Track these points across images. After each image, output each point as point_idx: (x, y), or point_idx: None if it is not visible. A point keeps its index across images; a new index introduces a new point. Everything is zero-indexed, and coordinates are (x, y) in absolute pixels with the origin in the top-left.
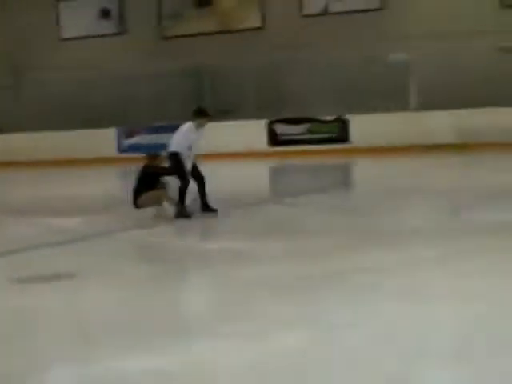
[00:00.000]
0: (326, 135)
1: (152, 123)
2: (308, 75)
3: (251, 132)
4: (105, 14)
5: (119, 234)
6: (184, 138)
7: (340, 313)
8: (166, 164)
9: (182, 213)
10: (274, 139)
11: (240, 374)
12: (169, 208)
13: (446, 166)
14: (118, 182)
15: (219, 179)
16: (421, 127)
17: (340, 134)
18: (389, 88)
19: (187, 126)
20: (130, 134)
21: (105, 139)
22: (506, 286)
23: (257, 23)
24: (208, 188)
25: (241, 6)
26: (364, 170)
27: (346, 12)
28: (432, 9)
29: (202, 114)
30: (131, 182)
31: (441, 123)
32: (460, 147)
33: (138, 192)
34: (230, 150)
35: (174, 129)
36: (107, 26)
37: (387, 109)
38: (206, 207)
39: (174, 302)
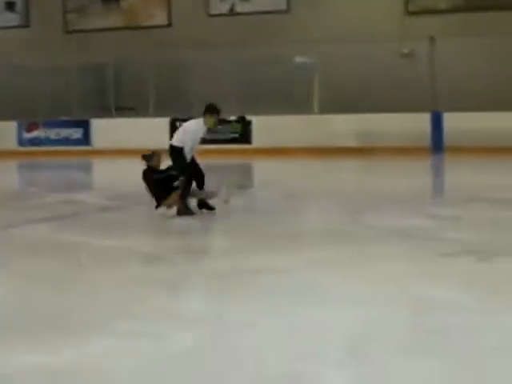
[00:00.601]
0: (228, 135)
1: (53, 117)
2: (213, 74)
3: (154, 130)
4: (10, 6)
5: (14, 229)
6: (192, 135)
7: (238, 313)
8: (164, 160)
9: (186, 210)
10: None
11: (134, 372)
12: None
13: (347, 169)
14: (17, 176)
15: (120, 175)
16: (324, 130)
17: (243, 134)
18: (293, 90)
19: (197, 123)
20: (30, 128)
21: (5, 132)
22: (391, 291)
23: (163, 21)
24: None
25: (147, 2)
26: (266, 171)
27: (253, 13)
28: (338, 13)
29: (215, 112)
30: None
31: (343, 127)
32: (361, 151)
33: (159, 197)
34: (131, 147)
35: (74, 124)
36: (12, 19)
37: (291, 111)
38: (203, 204)
39: (68, 298)
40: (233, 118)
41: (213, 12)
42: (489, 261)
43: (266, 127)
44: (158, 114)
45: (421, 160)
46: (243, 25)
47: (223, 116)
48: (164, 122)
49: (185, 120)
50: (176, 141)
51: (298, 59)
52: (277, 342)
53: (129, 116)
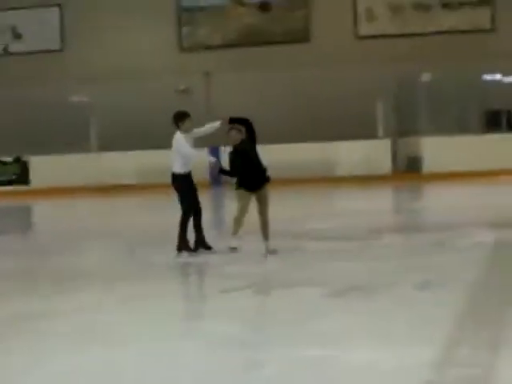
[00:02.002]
0: (5, 177)
1: None
2: None
3: None
4: None
5: None
6: (184, 152)
7: (16, 359)
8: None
9: (187, 245)
10: None
11: None
12: None
13: (126, 207)
14: None
15: None
16: (103, 168)
17: (20, 175)
18: (71, 129)
19: (178, 137)
20: None
21: None
22: (175, 328)
23: None
24: None
25: None
26: (44, 211)
27: (27, 52)
28: (114, 50)
29: (184, 116)
30: None
31: (123, 164)
32: (141, 188)
33: None
34: None
35: None
36: None
37: (69, 149)
38: (201, 243)
39: None
40: (9, 158)
41: None
42: (268, 293)
43: (44, 167)
44: None
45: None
46: (18, 65)
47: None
48: None
49: None
50: (176, 167)
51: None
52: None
53: None
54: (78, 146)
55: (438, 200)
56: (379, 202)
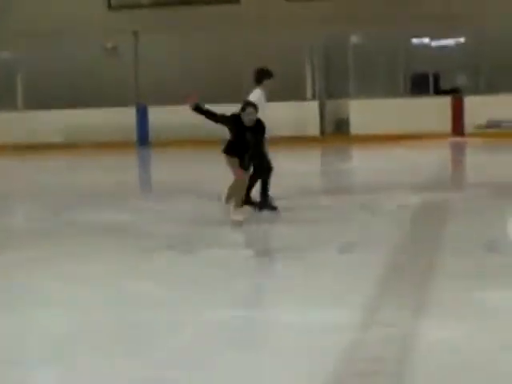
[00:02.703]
0: None
1: None
2: None
3: None
4: None
5: None
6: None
7: None
8: None
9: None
10: None
11: None
12: None
13: (53, 166)
14: None
15: None
16: (28, 127)
17: None
18: None
19: (260, 94)
20: None
21: None
22: (97, 289)
23: None
24: None
25: None
26: None
27: None
28: (41, 8)
29: (271, 75)
30: None
31: (48, 123)
32: (68, 147)
33: None
34: None
35: None
36: None
37: None
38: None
39: None
40: None
41: None
42: (192, 253)
43: None
44: None
45: (127, 154)
46: None
47: None
48: None
49: None
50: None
51: None
52: None
53: None
54: (3, 103)
55: (364, 162)
56: (307, 164)
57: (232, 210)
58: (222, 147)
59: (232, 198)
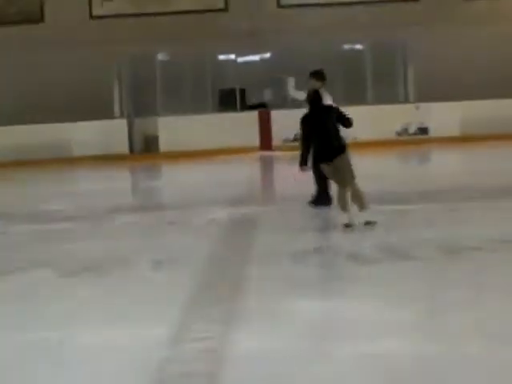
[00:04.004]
0: None
1: None
2: None
3: None
4: None
5: None
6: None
7: None
8: None
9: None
10: None
11: None
12: None
13: None
14: None
15: None
16: None
17: None
18: None
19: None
20: None
21: None
22: None
23: None
24: None
25: None
26: None
27: None
28: None
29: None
30: None
31: None
32: None
33: None
34: None
35: None
36: None
37: None
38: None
39: None
40: None
41: None
42: None
43: None
44: None
45: None
46: None
47: None
48: None
49: None
50: None
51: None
52: None
53: None
54: None
55: (174, 179)
56: (116, 182)
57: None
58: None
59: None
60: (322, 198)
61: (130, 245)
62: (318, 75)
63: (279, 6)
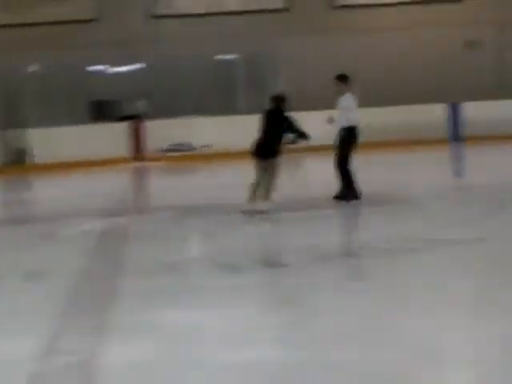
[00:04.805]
0: None
1: None
2: None
3: None
4: None
5: None
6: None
7: None
8: None
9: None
10: None
11: None
12: None
13: None
14: None
15: None
16: None
17: None
18: None
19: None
20: None
21: None
22: None
23: None
24: None
25: None
26: None
27: None
28: None
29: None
30: None
31: None
32: None
33: None
34: None
35: None
36: None
37: None
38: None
39: None
40: None
41: None
42: None
43: None
44: None
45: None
46: None
47: None
48: None
49: None
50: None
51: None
52: None
53: None
54: None
55: (46, 191)
56: None
57: None
58: None
59: None
60: (350, 193)
61: (0, 258)
62: (342, 78)
63: (153, 16)
